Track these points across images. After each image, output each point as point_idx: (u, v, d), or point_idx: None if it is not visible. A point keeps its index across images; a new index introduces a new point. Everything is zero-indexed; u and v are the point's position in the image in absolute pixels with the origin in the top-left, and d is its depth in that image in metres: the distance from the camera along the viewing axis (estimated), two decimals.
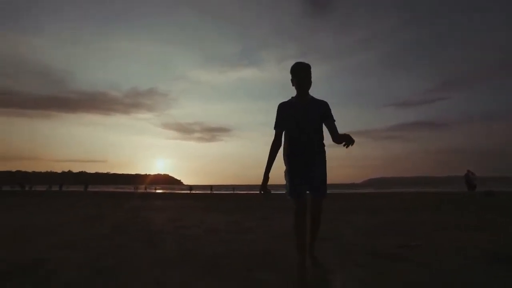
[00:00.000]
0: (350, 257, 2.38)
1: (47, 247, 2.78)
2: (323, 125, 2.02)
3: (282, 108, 2.02)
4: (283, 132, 2.03)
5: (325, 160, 2.02)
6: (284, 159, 2.04)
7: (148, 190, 40.13)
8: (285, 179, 2.01)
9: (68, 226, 4.19)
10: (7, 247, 2.80)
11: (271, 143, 2.02)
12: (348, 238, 3.19)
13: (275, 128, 2.02)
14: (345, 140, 1.79)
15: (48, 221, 4.86)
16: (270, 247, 2.83)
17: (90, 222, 4.68)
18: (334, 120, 2.02)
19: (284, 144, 2.04)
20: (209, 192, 32.33)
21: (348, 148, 1.80)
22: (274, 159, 2.00)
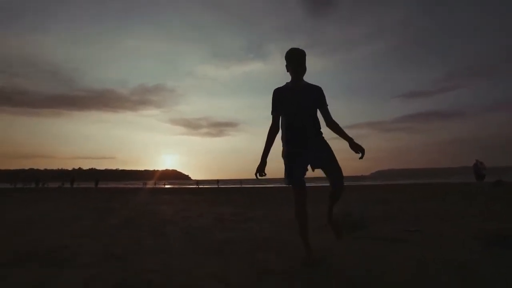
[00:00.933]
0: (349, 239, 2.46)
1: (63, 236, 2.97)
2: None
3: (277, 94, 2.03)
4: (280, 118, 2.05)
5: (325, 141, 2.02)
6: (282, 145, 2.06)
7: (158, 186, 40.72)
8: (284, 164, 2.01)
9: (81, 219, 4.37)
10: (28, 236, 2.98)
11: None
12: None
13: (271, 113, 2.05)
14: (360, 151, 1.91)
15: (63, 214, 5.09)
16: (274, 233, 2.93)
17: (101, 215, 4.86)
18: (327, 105, 2.05)
19: (281, 130, 2.06)
20: (216, 186, 32.59)
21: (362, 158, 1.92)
22: (271, 143, 2.03)
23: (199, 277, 1.69)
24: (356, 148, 1.92)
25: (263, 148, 2.01)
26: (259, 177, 1.98)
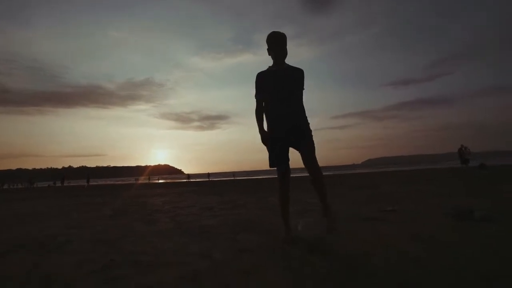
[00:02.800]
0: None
1: (58, 227, 3.08)
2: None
3: (261, 77, 2.05)
4: (263, 100, 2.06)
5: (307, 123, 2.03)
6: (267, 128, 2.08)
7: (151, 181, 40.49)
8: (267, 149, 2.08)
9: (72, 213, 4.44)
10: (19, 230, 3.05)
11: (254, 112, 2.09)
12: (333, 207, 3.42)
13: (255, 96, 2.07)
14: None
15: (57, 208, 5.18)
16: (259, 217, 3.08)
17: (93, 208, 4.93)
18: (304, 89, 2.09)
19: (265, 114, 2.08)
20: (207, 179, 32.55)
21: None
22: (262, 120, 2.06)
23: (185, 255, 1.81)
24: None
25: (257, 124, 2.05)
26: (266, 144, 2.01)
